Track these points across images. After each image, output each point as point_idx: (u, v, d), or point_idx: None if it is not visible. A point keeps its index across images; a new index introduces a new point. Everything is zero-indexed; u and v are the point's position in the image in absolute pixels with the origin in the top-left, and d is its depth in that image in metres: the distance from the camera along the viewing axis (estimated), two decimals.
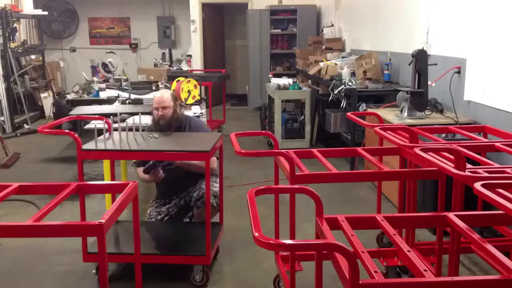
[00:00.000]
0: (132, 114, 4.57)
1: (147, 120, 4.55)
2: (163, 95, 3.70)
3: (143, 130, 3.49)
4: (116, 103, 6.08)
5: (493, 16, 3.90)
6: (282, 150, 2.96)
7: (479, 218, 2.24)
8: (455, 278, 1.71)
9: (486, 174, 2.41)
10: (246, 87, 9.92)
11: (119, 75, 8.74)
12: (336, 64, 6.38)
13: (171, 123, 3.64)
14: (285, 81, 6.46)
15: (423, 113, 4.36)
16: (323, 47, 7.97)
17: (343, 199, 4.73)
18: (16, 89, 8.06)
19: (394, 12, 5.93)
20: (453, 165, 2.59)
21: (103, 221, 1.76)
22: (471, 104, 4.24)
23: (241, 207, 4.26)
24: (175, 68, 10.12)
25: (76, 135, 3.17)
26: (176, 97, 3.84)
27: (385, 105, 5.02)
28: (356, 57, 6.38)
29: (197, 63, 9.88)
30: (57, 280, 3.26)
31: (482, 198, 2.02)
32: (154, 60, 10.45)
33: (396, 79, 5.82)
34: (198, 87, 5.38)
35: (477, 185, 1.94)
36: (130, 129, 3.39)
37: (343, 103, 5.72)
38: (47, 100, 8.70)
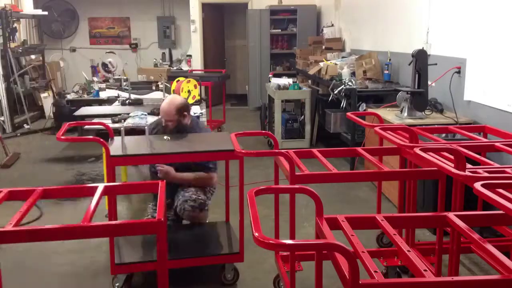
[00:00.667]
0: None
1: (152, 120, 4.54)
2: (167, 107, 3.54)
3: (142, 131, 3.49)
4: (116, 103, 6.09)
5: (493, 16, 3.90)
6: (282, 150, 2.96)
7: (479, 218, 2.24)
8: (455, 278, 1.71)
9: (486, 174, 2.41)
10: (246, 87, 9.92)
11: (119, 75, 8.74)
12: (336, 64, 6.38)
13: (179, 130, 3.57)
14: (285, 81, 6.46)
15: (423, 113, 4.36)
16: (323, 47, 7.97)
17: (343, 199, 4.73)
18: (16, 89, 8.06)
19: (394, 12, 5.93)
20: (453, 165, 2.59)
21: (162, 218, 1.72)
22: (471, 104, 4.24)
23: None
24: (175, 68, 10.13)
25: (103, 141, 2.98)
26: (182, 108, 3.58)
27: (385, 105, 5.02)
28: (356, 57, 6.38)
29: (197, 63, 9.88)
30: (57, 280, 3.26)
31: (482, 198, 2.02)
32: (154, 60, 10.45)
33: (396, 79, 5.82)
34: (198, 87, 5.38)
35: (477, 185, 1.94)
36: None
37: (343, 103, 5.72)
38: (47, 100, 8.70)
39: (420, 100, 4.30)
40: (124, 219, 3.74)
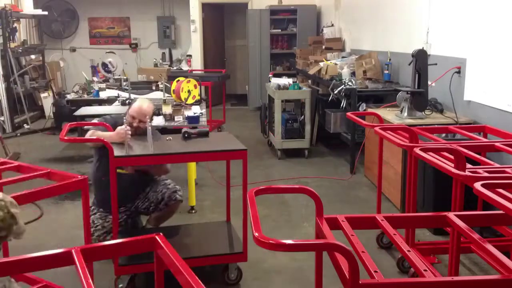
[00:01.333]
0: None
1: (159, 121, 4.55)
2: (146, 109, 3.43)
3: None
4: (116, 103, 6.08)
5: (493, 16, 3.90)
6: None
7: (479, 218, 2.24)
8: (455, 278, 1.71)
9: (486, 174, 2.42)
10: (246, 87, 9.92)
11: (119, 75, 8.73)
12: (336, 64, 6.37)
13: (143, 132, 3.38)
14: (285, 81, 6.45)
15: (423, 113, 4.36)
16: (323, 47, 7.97)
17: (343, 199, 4.73)
18: (16, 89, 8.06)
19: (394, 12, 5.93)
20: (453, 165, 2.60)
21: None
22: (471, 104, 4.24)
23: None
24: (175, 68, 10.12)
25: (106, 141, 2.98)
26: (154, 113, 3.58)
27: (385, 105, 5.02)
28: (356, 57, 6.38)
29: (197, 63, 9.88)
30: (57, 280, 3.25)
31: (482, 198, 2.02)
32: (154, 60, 10.45)
33: (396, 79, 5.82)
34: (198, 87, 5.38)
35: (477, 185, 1.94)
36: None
37: (343, 103, 5.72)
38: (47, 100, 8.70)
39: (420, 100, 4.30)
40: None
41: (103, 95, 7.32)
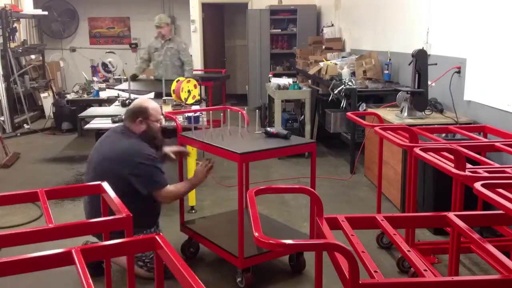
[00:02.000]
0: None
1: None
2: (155, 104, 3.34)
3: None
4: (116, 103, 6.07)
5: (493, 17, 3.89)
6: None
7: (479, 218, 2.23)
8: (455, 278, 1.71)
9: (486, 174, 2.41)
10: (246, 87, 9.92)
11: (119, 75, 8.73)
12: (336, 64, 6.37)
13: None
14: (285, 81, 6.45)
15: (423, 113, 4.36)
16: (323, 47, 7.97)
17: (343, 199, 4.73)
18: (16, 89, 8.05)
19: (394, 12, 5.93)
20: (453, 165, 2.60)
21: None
22: (471, 104, 4.24)
23: None
24: None
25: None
26: None
27: (385, 105, 5.02)
28: (356, 57, 6.37)
29: (197, 63, 9.87)
30: (57, 279, 3.25)
31: (482, 198, 2.02)
32: None
33: (396, 79, 5.82)
34: (198, 87, 5.37)
35: (477, 185, 1.94)
36: None
37: (343, 103, 5.72)
38: (47, 100, 8.70)
39: (420, 100, 4.30)
40: None
41: (103, 95, 7.33)
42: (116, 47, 10.79)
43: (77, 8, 10.79)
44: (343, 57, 6.98)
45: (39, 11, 9.33)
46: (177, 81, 5.32)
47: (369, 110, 5.03)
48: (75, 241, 3.52)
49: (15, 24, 8.74)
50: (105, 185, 2.18)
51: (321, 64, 6.55)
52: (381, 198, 3.66)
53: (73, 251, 1.55)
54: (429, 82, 4.43)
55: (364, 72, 5.91)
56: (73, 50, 11.03)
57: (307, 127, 6.25)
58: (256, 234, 1.63)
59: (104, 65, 9.43)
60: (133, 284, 1.86)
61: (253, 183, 4.95)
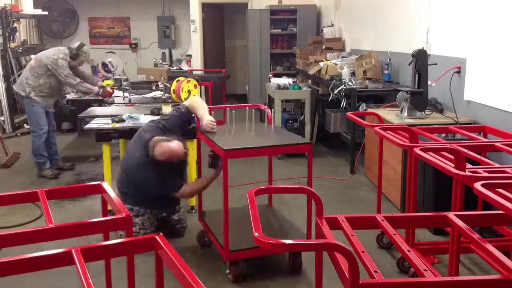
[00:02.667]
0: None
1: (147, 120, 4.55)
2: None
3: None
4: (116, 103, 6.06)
5: (493, 16, 3.89)
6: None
7: (479, 218, 2.23)
8: (455, 278, 1.71)
9: (486, 174, 2.41)
10: (246, 87, 9.92)
11: (119, 75, 8.72)
12: (336, 64, 6.37)
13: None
14: (285, 81, 6.45)
15: (423, 113, 4.36)
16: (323, 47, 7.97)
17: (343, 199, 4.73)
18: None
19: (394, 12, 5.93)
20: (453, 165, 2.60)
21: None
22: (471, 104, 4.24)
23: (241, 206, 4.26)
24: (175, 68, 10.12)
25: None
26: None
27: (385, 105, 5.02)
28: (356, 57, 6.37)
29: (197, 63, 9.88)
30: (57, 279, 3.25)
31: (482, 198, 2.02)
32: (154, 60, 10.44)
33: (396, 79, 5.82)
34: (198, 87, 5.37)
35: (477, 185, 1.94)
36: None
37: (343, 103, 5.72)
38: None
39: (420, 100, 4.30)
40: None
41: None
42: (116, 47, 10.78)
43: (77, 8, 10.78)
44: (343, 57, 6.98)
45: (39, 11, 9.32)
46: (177, 81, 5.32)
47: (369, 110, 5.03)
48: (75, 241, 3.53)
49: (15, 24, 8.73)
50: (105, 185, 2.18)
51: (321, 64, 6.55)
52: (381, 198, 3.66)
53: (73, 251, 1.55)
54: (429, 82, 4.43)
55: (364, 72, 5.91)
56: None
57: (307, 127, 6.25)
58: (256, 234, 1.63)
59: (104, 65, 9.42)
60: (133, 284, 1.86)
61: (253, 183, 4.95)
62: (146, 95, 6.21)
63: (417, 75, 4.30)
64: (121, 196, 3.62)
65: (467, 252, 3.14)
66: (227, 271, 3.17)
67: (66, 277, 3.10)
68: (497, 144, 3.03)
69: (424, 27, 5.04)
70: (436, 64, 4.54)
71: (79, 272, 1.43)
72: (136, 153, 3.63)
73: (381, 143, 3.63)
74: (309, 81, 7.46)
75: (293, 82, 6.51)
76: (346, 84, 5.59)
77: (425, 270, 1.72)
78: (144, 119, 4.62)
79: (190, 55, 10.14)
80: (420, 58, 4.28)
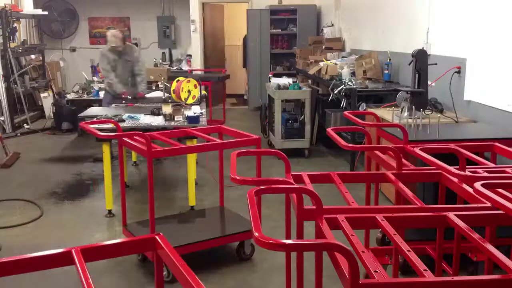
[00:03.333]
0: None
1: (159, 121, 4.56)
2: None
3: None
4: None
5: (493, 16, 3.90)
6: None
7: (479, 218, 2.23)
8: (455, 278, 1.71)
9: (486, 174, 2.41)
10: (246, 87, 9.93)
11: None
12: (336, 64, 6.37)
13: None
14: (285, 81, 6.45)
15: (423, 113, 4.36)
16: (323, 47, 7.97)
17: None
18: (16, 89, 8.05)
19: (394, 12, 5.93)
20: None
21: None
22: (471, 104, 4.24)
23: (241, 206, 4.26)
24: (175, 68, 10.12)
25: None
26: None
27: (385, 105, 5.02)
28: (356, 57, 6.38)
29: (197, 63, 9.87)
30: (57, 278, 3.25)
31: (482, 198, 2.02)
32: (154, 60, 10.44)
33: (396, 79, 5.82)
34: (198, 87, 5.37)
35: (477, 185, 1.94)
36: None
37: (343, 103, 5.72)
38: (47, 100, 8.70)
39: (420, 100, 4.29)
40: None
41: (103, 95, 7.30)
42: None
43: (77, 8, 10.78)
44: (343, 57, 6.98)
45: (39, 11, 9.33)
46: (177, 81, 5.32)
47: (369, 110, 5.03)
48: (75, 241, 3.54)
49: (15, 24, 8.73)
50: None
51: (321, 64, 6.55)
52: (378, 197, 3.66)
53: (73, 251, 1.55)
54: (429, 82, 4.43)
55: (364, 72, 5.91)
56: (73, 50, 11.02)
57: (307, 127, 6.24)
58: (256, 234, 1.63)
59: None
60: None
61: None
62: (146, 95, 6.20)
63: (417, 75, 4.30)
64: None
65: (467, 252, 3.14)
66: None
67: (66, 277, 3.10)
68: (496, 144, 3.03)
69: (424, 27, 5.04)
70: (436, 64, 4.54)
71: (79, 272, 1.43)
72: None
73: (378, 142, 3.63)
74: (309, 81, 7.46)
75: (293, 82, 6.51)
76: (346, 84, 5.59)
77: (425, 270, 1.72)
78: (144, 119, 4.63)
79: (190, 55, 10.14)
80: (420, 58, 4.28)
